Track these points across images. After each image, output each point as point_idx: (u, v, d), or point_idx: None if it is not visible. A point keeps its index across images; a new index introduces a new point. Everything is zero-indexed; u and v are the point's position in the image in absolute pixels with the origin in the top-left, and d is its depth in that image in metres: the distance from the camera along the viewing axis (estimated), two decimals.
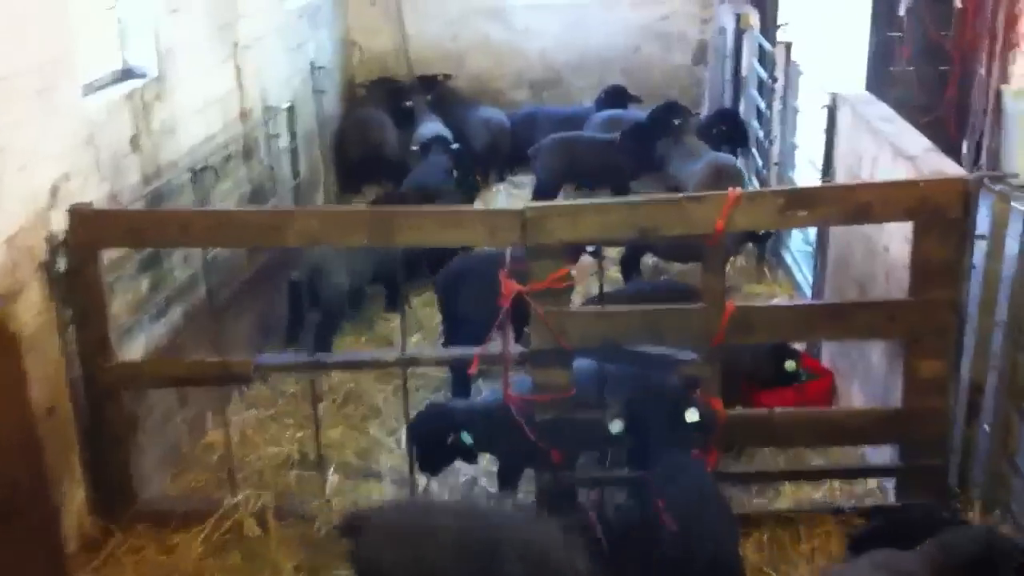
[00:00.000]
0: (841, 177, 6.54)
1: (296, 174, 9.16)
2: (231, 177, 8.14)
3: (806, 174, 8.85)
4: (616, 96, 11.89)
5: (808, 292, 7.82)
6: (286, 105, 8.99)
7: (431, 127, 11.53)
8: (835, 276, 6.72)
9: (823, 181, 6.89)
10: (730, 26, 10.92)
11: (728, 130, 10.49)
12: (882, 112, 6.26)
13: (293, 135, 9.07)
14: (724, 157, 9.46)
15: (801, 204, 4.80)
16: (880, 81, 12.48)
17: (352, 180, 11.70)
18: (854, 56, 12.72)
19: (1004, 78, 11.99)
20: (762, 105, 10.38)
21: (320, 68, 11.00)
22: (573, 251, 6.12)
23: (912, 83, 12.19)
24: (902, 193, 4.85)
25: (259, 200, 8.70)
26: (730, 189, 4.84)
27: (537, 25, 12.84)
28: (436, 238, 5.21)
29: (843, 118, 6.50)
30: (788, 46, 8.83)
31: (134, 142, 6.41)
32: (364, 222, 5.08)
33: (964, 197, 4.78)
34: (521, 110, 12.39)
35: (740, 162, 9.96)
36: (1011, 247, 4.89)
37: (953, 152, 11.57)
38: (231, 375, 5.31)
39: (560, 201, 5.18)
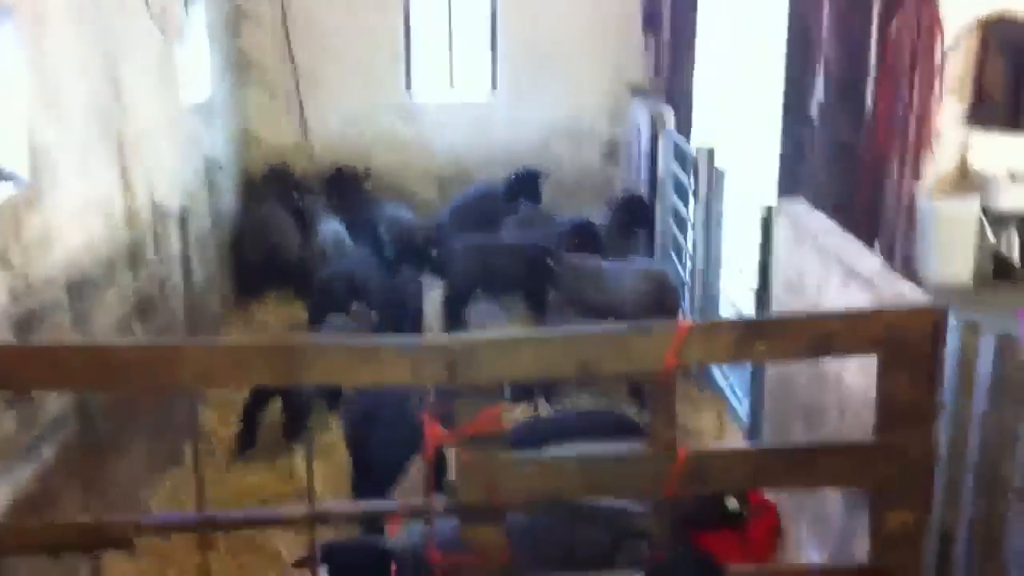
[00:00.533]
0: (779, 292, 6.14)
1: (188, 283, 8.42)
2: (115, 287, 7.39)
3: (734, 285, 8.49)
4: (527, 181, 11.41)
5: (741, 415, 7.38)
6: (178, 206, 8.28)
7: (331, 226, 10.95)
8: (776, 403, 6.28)
9: (757, 296, 6.48)
10: (644, 125, 10.64)
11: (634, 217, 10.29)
12: (824, 224, 5.90)
13: (185, 238, 8.36)
14: (656, 268, 9.12)
15: (760, 336, 4.31)
16: (794, 181, 12.37)
17: (251, 284, 10.98)
18: (766, 156, 12.57)
19: (916, 179, 11.97)
20: (683, 210, 10.08)
21: (216, 165, 10.35)
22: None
23: (824, 184, 12.07)
24: (868, 323, 4.40)
25: (148, 314, 7.95)
26: (679, 319, 4.33)
27: (445, 120, 12.42)
28: (349, 376, 4.57)
29: (781, 230, 6.13)
30: (711, 152, 8.52)
31: (1, 258, 5.66)
32: (265, 358, 4.42)
33: (935, 328, 4.35)
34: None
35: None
36: (981, 381, 4.48)
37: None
38: (108, 540, 4.54)
39: (491, 333, 4.54)
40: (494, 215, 10.97)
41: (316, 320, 9.33)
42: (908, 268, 11.86)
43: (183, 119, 9.41)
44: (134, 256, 7.80)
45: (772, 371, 6.31)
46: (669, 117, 10.44)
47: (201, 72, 10.29)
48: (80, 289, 6.44)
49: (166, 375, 4.43)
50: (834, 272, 5.24)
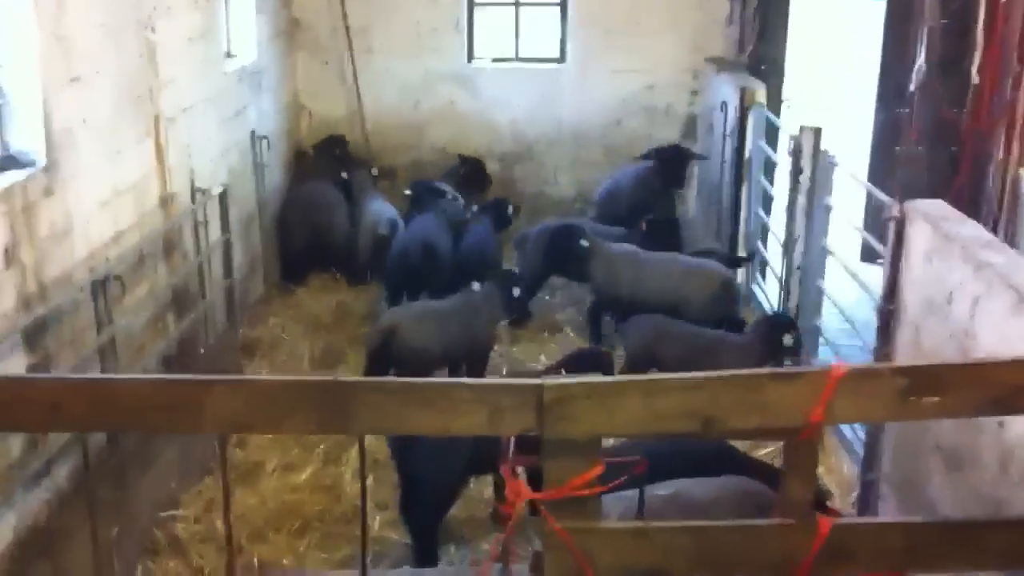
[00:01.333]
0: (914, 312, 5.21)
1: (228, 272, 7.64)
2: (147, 281, 6.63)
3: (842, 289, 7.54)
4: (675, 162, 10.17)
5: (850, 439, 6.48)
6: (218, 190, 7.48)
7: (385, 209, 10.13)
8: (902, 431, 5.36)
9: (882, 313, 5.54)
10: (731, 101, 9.66)
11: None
12: (978, 234, 4.94)
13: (226, 222, 7.56)
14: (717, 267, 8.26)
15: (934, 388, 3.41)
16: (885, 163, 11.36)
17: (295, 268, 10.19)
18: (857, 135, 11.56)
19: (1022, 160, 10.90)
20: (771, 190, 9.14)
21: (263, 138, 9.55)
22: None
23: (920, 165, 11.00)
24: None
25: (184, 307, 7.19)
26: (833, 363, 3.44)
27: (508, 93, 11.49)
28: (410, 422, 3.73)
29: (917, 236, 5.19)
30: (817, 132, 7.54)
31: (9, 255, 4.90)
32: (309, 400, 3.60)
33: None
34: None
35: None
36: None
37: None
38: None
39: (591, 377, 3.64)
40: (647, 202, 9.95)
41: (396, 298, 8.84)
42: None
43: (227, 89, 8.61)
44: (170, 245, 7.03)
45: None
46: (760, 92, 9.45)
47: (247, 36, 9.48)
48: (105, 286, 5.67)
49: (186, 421, 3.62)
50: (999, 295, 4.30)
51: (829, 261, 7.49)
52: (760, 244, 9.42)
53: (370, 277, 10.08)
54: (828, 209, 7.34)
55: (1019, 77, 11.05)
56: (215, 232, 7.60)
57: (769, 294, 8.75)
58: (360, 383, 3.60)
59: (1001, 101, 11.12)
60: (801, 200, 7.63)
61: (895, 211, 5.40)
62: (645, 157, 10.10)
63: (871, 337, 6.04)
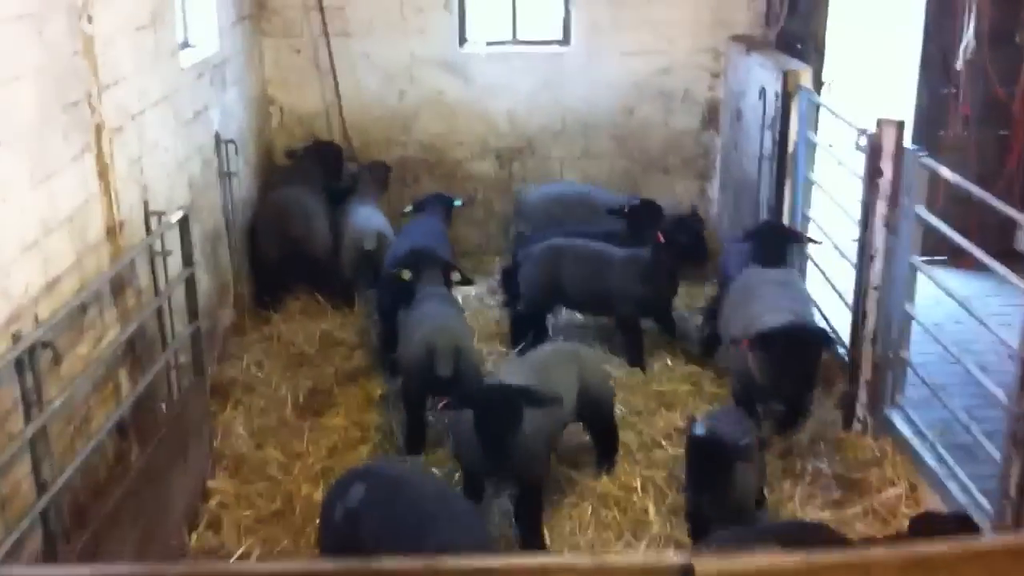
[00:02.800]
0: None
1: (193, 312, 6.26)
2: (91, 336, 5.27)
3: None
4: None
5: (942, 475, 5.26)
6: (178, 215, 6.10)
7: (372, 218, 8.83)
8: None
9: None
10: (770, 86, 8.39)
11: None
12: None
13: (189, 253, 6.19)
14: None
15: None
16: (929, 147, 10.15)
17: (270, 288, 8.83)
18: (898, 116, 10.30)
19: None
20: (824, 187, 7.87)
21: (228, 142, 8.17)
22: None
23: (968, 150, 9.80)
24: None
25: (140, 358, 5.84)
26: None
27: (503, 81, 10.14)
28: None
29: None
30: (900, 125, 6.28)
31: None
32: None
33: None
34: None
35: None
36: None
37: (1010, 238, 9.33)
38: None
39: (747, 557, 2.33)
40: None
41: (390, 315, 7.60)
42: None
43: (184, 87, 7.22)
44: (119, 287, 5.67)
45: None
46: (805, 75, 8.18)
47: (205, 23, 8.08)
48: (32, 358, 4.32)
49: None
50: None
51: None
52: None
53: (357, 299, 8.80)
54: (919, 219, 6.08)
55: None
56: (175, 263, 6.24)
57: (830, 316, 7.50)
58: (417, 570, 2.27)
59: None
60: (881, 207, 6.37)
61: None
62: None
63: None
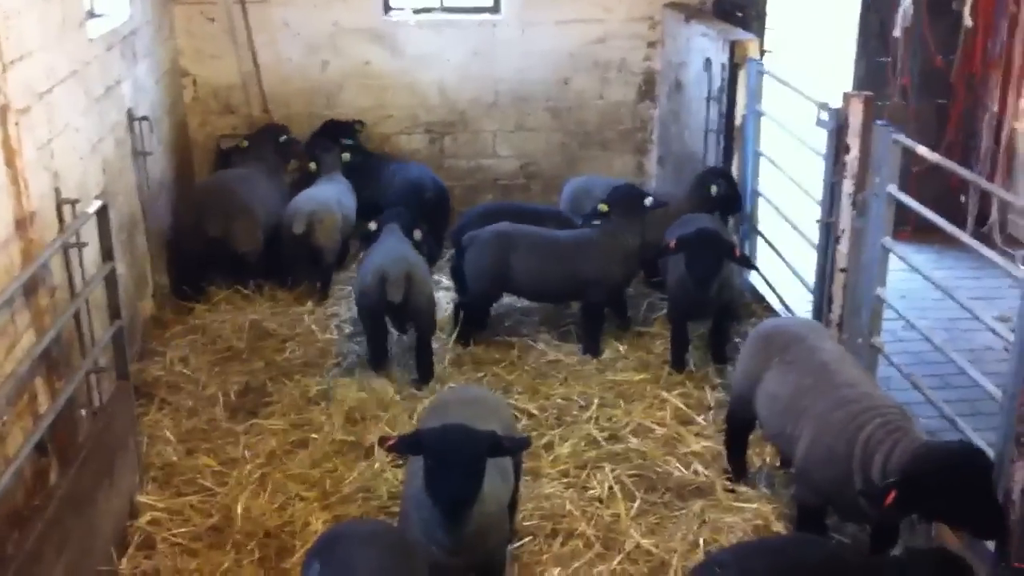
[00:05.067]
0: None
1: (115, 311, 5.68)
2: (3, 339, 4.70)
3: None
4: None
5: None
6: (96, 205, 5.51)
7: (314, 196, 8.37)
8: None
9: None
10: (716, 56, 8.06)
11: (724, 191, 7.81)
12: None
13: (108, 246, 5.60)
14: None
15: None
16: None
17: (189, 276, 8.23)
18: (836, 86, 10.11)
19: (1019, 114, 9.66)
20: (778, 163, 7.59)
21: (142, 119, 7.54)
22: None
23: (906, 120, 9.63)
24: None
25: (58, 363, 5.27)
26: None
27: (432, 51, 9.63)
28: None
29: None
30: (869, 100, 5.99)
31: None
32: None
33: None
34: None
35: None
36: None
37: (954, 207, 9.20)
38: None
39: None
40: None
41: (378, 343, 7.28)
42: (1003, 216, 9.67)
43: (94, 60, 6.58)
44: (31, 288, 5.08)
45: None
46: (753, 45, 7.87)
47: None
48: None
49: None
50: None
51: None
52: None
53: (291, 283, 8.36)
54: (891, 199, 5.80)
55: (1016, 18, 9.80)
56: (90, 254, 5.66)
57: (787, 299, 7.24)
58: None
59: (996, 46, 9.89)
60: (847, 186, 6.10)
61: None
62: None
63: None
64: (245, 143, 8.99)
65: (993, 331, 4.90)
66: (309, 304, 8.10)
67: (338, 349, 7.47)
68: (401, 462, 5.77)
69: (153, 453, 6.13)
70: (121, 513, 5.45)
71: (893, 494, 4.16)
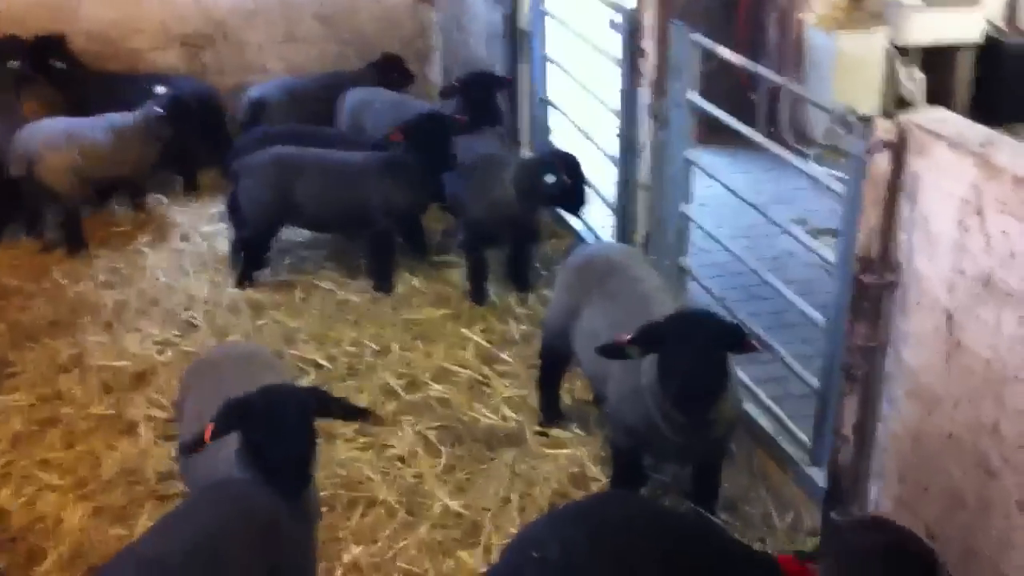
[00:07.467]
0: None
1: None
2: None
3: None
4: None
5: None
6: None
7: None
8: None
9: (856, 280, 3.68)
10: None
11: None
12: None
13: None
14: None
15: None
16: None
17: None
18: None
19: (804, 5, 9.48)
20: (571, 71, 7.05)
21: None
22: None
23: (692, 18, 9.27)
24: None
25: None
26: None
27: None
28: None
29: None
30: (663, 2, 5.50)
31: None
32: None
33: None
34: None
35: None
36: None
37: (745, 107, 8.99)
38: None
39: None
40: None
41: None
42: (795, 114, 9.56)
43: None
44: None
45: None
46: None
47: None
48: None
49: None
50: None
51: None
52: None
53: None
54: (692, 107, 5.37)
55: None
56: None
57: (590, 220, 6.80)
58: None
59: None
60: (644, 95, 5.64)
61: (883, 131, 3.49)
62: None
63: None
64: None
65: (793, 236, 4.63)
66: (58, 253, 7.10)
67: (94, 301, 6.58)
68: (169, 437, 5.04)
69: None
70: None
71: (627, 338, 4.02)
